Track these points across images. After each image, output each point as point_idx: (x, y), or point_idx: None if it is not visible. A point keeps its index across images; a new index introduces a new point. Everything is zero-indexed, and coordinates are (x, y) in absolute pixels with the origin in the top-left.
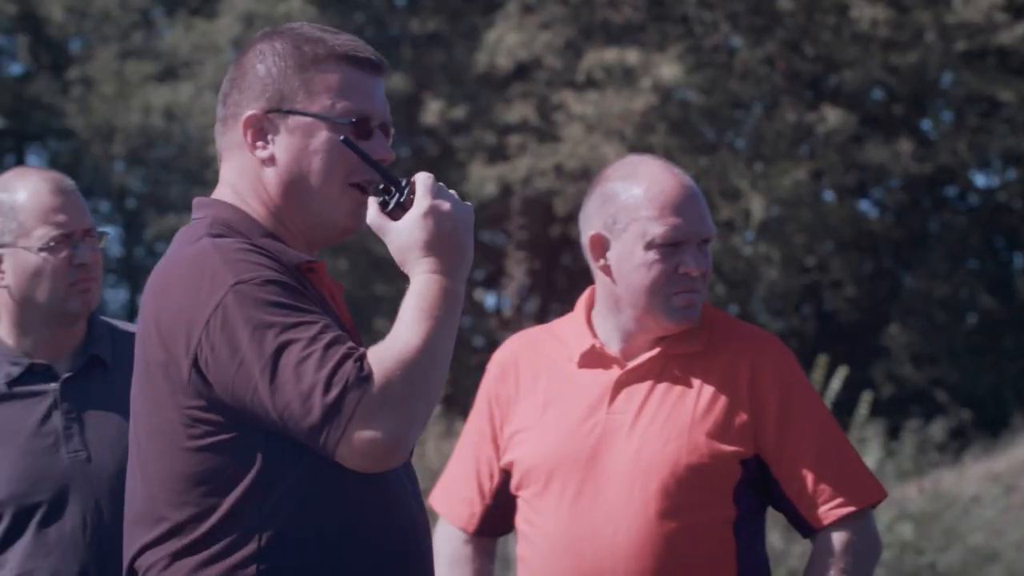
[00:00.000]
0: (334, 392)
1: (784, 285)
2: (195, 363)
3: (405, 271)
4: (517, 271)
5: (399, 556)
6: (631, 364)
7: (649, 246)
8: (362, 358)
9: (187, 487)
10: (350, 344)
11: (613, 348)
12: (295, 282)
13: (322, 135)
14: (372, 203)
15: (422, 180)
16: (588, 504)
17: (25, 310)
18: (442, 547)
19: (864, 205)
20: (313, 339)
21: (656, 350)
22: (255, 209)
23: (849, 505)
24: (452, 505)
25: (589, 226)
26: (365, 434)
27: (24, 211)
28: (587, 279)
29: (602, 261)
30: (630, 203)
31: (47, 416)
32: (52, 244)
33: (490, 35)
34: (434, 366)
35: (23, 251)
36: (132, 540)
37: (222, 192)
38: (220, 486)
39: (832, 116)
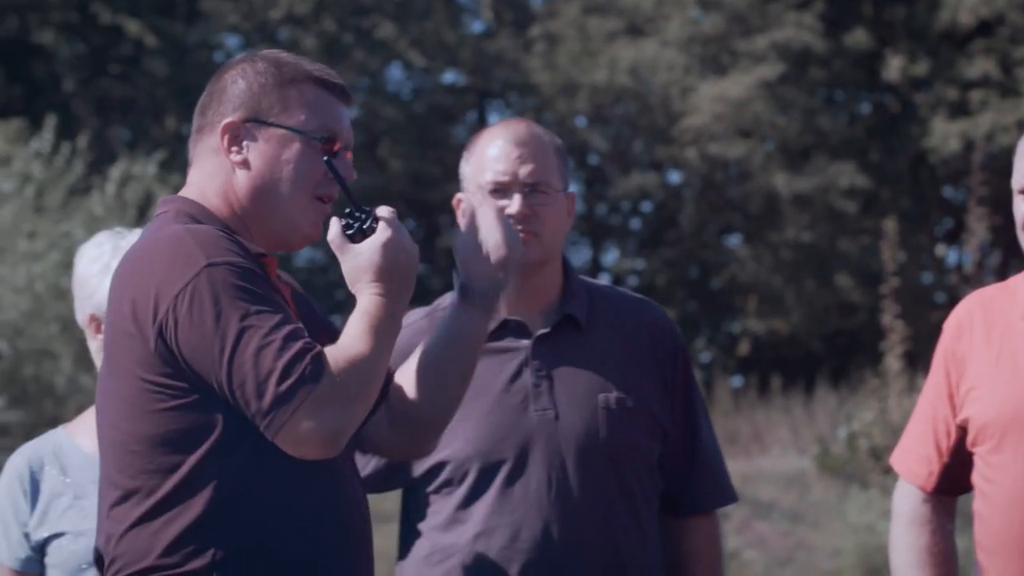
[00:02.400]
0: (289, 381)
1: None
2: (160, 334)
3: (353, 290)
4: (978, 227)
5: (342, 526)
6: None
7: None
8: (319, 355)
9: (149, 450)
10: (307, 340)
11: None
12: (260, 270)
13: (295, 147)
14: (335, 223)
15: (385, 212)
16: None
17: None
18: (901, 506)
19: None
20: (275, 327)
21: None
22: (217, 207)
23: None
24: (910, 464)
25: (1018, 179)
26: (308, 425)
27: (478, 159)
28: None
29: None
30: None
31: (517, 373)
32: (491, 190)
33: None
34: (375, 375)
35: (472, 197)
36: (101, 503)
37: (187, 191)
38: (181, 448)
39: None
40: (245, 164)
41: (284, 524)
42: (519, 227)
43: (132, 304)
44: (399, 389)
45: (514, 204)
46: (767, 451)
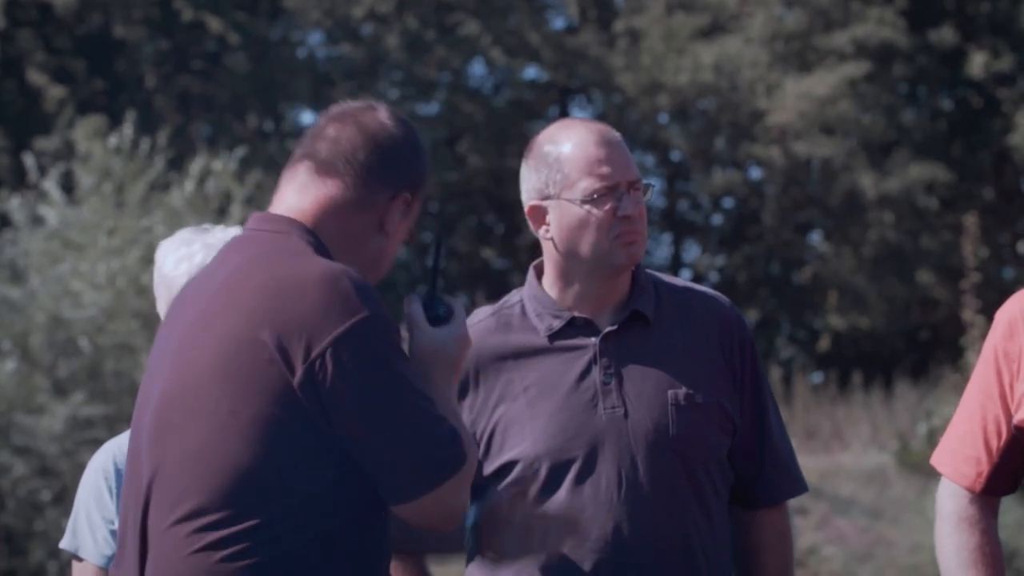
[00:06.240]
0: (450, 455)
1: None
2: (310, 373)
3: (424, 366)
4: None
5: None
6: None
7: None
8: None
9: (241, 477)
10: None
11: None
12: None
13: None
14: (416, 302)
15: (461, 307)
16: None
17: (569, 262)
18: (946, 507)
19: None
20: (430, 400)
21: None
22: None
23: None
24: (957, 465)
25: None
26: (453, 500)
27: (568, 163)
28: None
29: None
30: None
31: (586, 371)
32: (595, 196)
33: None
34: None
35: (567, 203)
36: (162, 510)
37: (315, 226)
38: (276, 487)
39: None
40: (386, 234)
41: None
42: (634, 228)
43: (276, 333)
44: None
45: (627, 206)
46: (847, 447)
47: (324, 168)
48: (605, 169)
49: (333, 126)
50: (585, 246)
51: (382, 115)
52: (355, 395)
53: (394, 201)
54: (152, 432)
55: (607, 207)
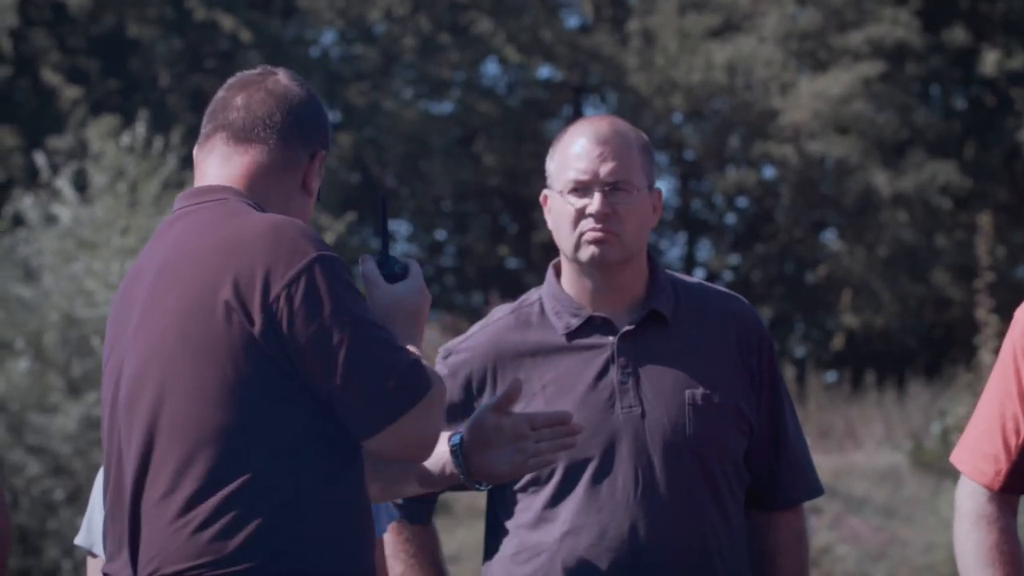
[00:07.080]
0: (412, 381)
1: None
2: (270, 317)
3: (386, 321)
4: None
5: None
6: None
7: None
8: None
9: (221, 442)
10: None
11: None
12: None
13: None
14: (370, 261)
15: (415, 264)
16: None
17: (565, 258)
18: (965, 504)
19: None
20: (386, 331)
21: None
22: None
23: None
24: (975, 462)
25: None
26: (421, 428)
27: (561, 155)
28: None
29: None
30: None
31: (603, 370)
32: (570, 190)
33: None
34: None
35: (555, 194)
36: (149, 489)
37: (244, 190)
38: (255, 443)
39: None
40: (310, 192)
41: (340, 538)
42: (599, 226)
43: (233, 289)
44: None
45: (594, 203)
46: (860, 446)
47: (243, 136)
48: (583, 164)
49: (240, 95)
50: (561, 239)
51: (284, 78)
52: (311, 334)
53: (313, 160)
54: (127, 412)
55: (579, 202)
